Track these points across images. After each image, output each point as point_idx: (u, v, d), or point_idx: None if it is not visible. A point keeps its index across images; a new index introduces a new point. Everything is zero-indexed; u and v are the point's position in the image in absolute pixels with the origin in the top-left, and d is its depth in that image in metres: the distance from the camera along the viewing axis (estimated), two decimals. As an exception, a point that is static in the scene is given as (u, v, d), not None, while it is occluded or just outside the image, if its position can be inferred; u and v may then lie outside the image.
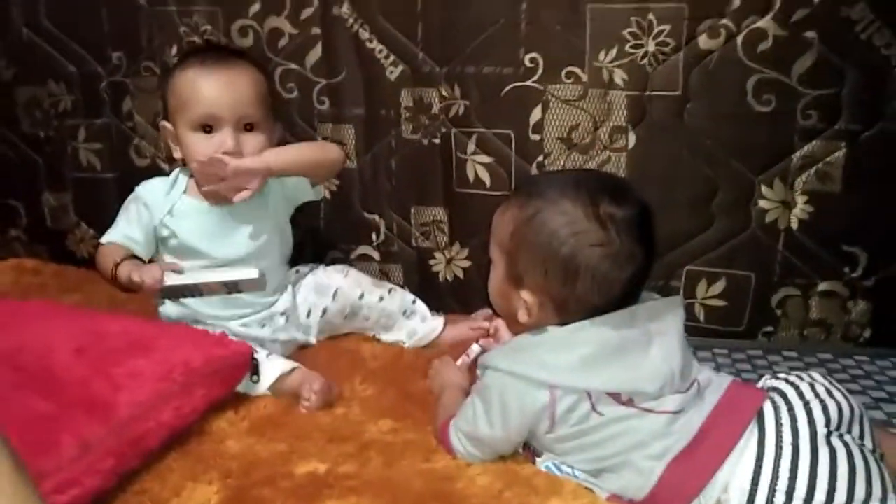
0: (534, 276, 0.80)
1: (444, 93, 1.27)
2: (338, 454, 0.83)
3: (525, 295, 0.82)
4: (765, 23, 1.09)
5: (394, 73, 1.29)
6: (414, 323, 1.22)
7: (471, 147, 1.27)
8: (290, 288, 1.17)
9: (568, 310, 0.81)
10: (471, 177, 1.29)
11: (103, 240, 1.12)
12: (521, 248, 0.81)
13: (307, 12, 1.30)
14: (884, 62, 1.07)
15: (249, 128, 1.08)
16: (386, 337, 1.21)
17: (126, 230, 1.11)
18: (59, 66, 1.46)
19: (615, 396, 0.78)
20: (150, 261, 1.10)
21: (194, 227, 1.10)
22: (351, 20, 1.28)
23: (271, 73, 1.33)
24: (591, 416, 0.78)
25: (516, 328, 0.87)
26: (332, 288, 1.18)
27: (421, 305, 1.24)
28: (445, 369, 1.03)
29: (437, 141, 1.30)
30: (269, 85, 1.15)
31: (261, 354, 1.00)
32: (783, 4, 1.08)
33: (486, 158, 1.27)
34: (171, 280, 0.99)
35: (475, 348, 1.03)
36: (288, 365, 1.01)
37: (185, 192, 1.12)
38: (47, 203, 1.56)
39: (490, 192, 1.27)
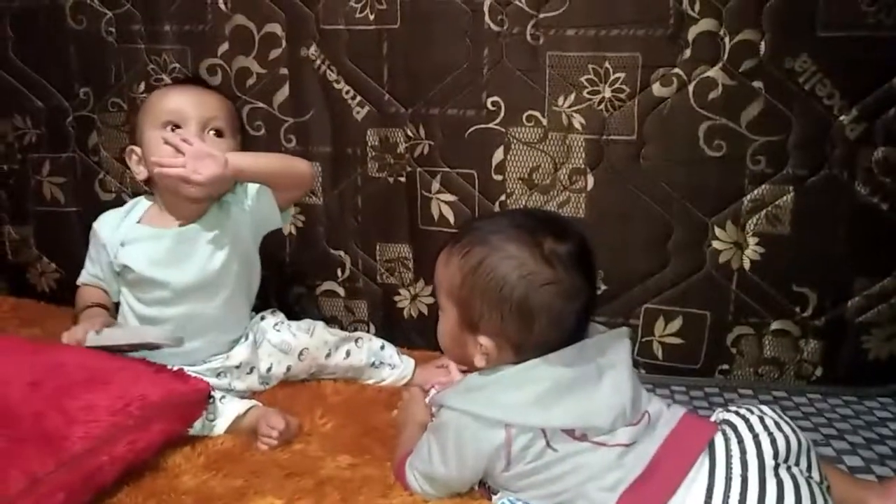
0: (489, 321, 0.81)
1: (409, 133, 1.30)
2: (294, 489, 0.83)
3: (483, 340, 0.82)
4: (714, 72, 1.14)
5: (360, 113, 1.31)
6: (383, 373, 1.19)
7: (435, 186, 1.30)
8: (251, 337, 1.13)
9: (525, 349, 0.81)
10: (435, 215, 1.31)
11: (78, 281, 1.14)
12: (472, 296, 0.82)
13: (275, 53, 1.32)
14: (826, 111, 1.13)
15: (217, 134, 1.08)
16: None
17: (91, 269, 1.13)
18: (25, 100, 1.47)
19: (569, 432, 0.79)
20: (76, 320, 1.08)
21: (146, 256, 1.07)
22: (318, 61, 1.31)
23: (239, 110, 1.34)
24: (546, 453, 0.79)
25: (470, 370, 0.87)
26: (298, 349, 1.12)
27: (389, 351, 1.20)
28: (412, 405, 1.02)
29: (402, 179, 1.32)
30: (237, 115, 1.17)
31: (216, 395, 0.98)
32: (731, 55, 1.13)
33: (450, 197, 1.30)
34: (91, 342, 0.97)
35: (433, 392, 1.03)
36: (244, 405, 1.00)
37: (139, 221, 1.11)
38: (8, 236, 1.55)
39: (454, 230, 1.29)
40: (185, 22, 1.36)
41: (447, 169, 1.29)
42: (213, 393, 0.95)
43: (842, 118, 1.13)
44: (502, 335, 0.82)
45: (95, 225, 1.14)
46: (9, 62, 1.46)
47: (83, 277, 1.14)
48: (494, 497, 0.84)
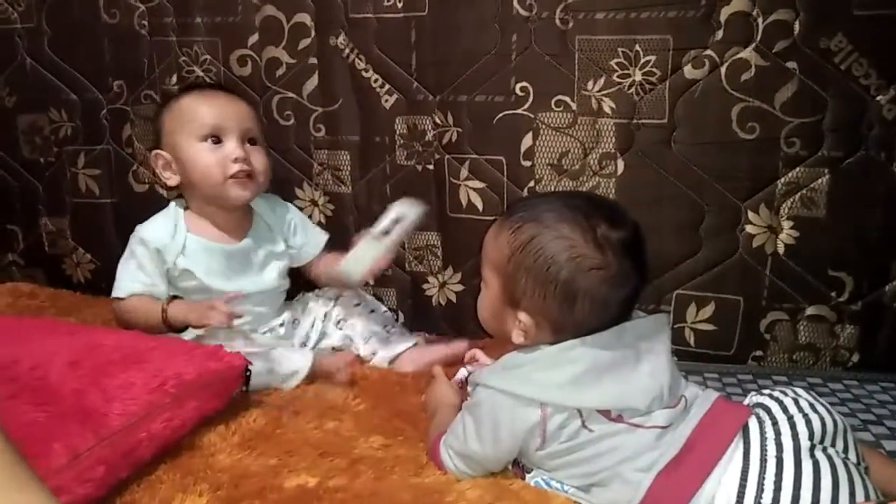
0: (532, 298, 0.81)
1: (437, 120, 1.30)
2: (328, 468, 0.83)
3: (522, 316, 0.82)
4: (747, 53, 1.13)
5: (388, 101, 1.32)
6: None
7: (463, 173, 1.30)
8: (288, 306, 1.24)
9: (564, 330, 0.81)
10: (464, 202, 1.31)
11: (122, 294, 1.13)
12: (518, 272, 0.81)
13: (304, 42, 1.33)
14: (863, 91, 1.11)
15: (252, 142, 1.13)
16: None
17: (144, 279, 1.12)
18: (60, 94, 1.50)
19: (605, 413, 0.79)
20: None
21: (204, 266, 1.13)
22: (347, 50, 1.32)
23: (269, 100, 1.36)
24: (581, 433, 0.79)
25: (506, 347, 0.88)
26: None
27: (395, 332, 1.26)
28: (440, 388, 1.03)
29: (430, 167, 1.33)
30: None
31: (278, 352, 1.05)
32: (764, 36, 1.12)
33: (478, 184, 1.30)
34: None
35: (462, 371, 1.04)
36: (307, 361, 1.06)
37: (188, 230, 1.15)
38: (45, 228, 1.58)
39: (483, 217, 1.29)
40: (215, 14, 1.37)
41: (475, 156, 1.29)
42: (249, 367, 0.96)
43: (879, 98, 1.11)
44: (543, 314, 0.81)
45: (145, 234, 1.14)
46: (44, 57, 1.49)
47: (131, 288, 1.12)
48: (528, 476, 0.84)
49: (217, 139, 1.11)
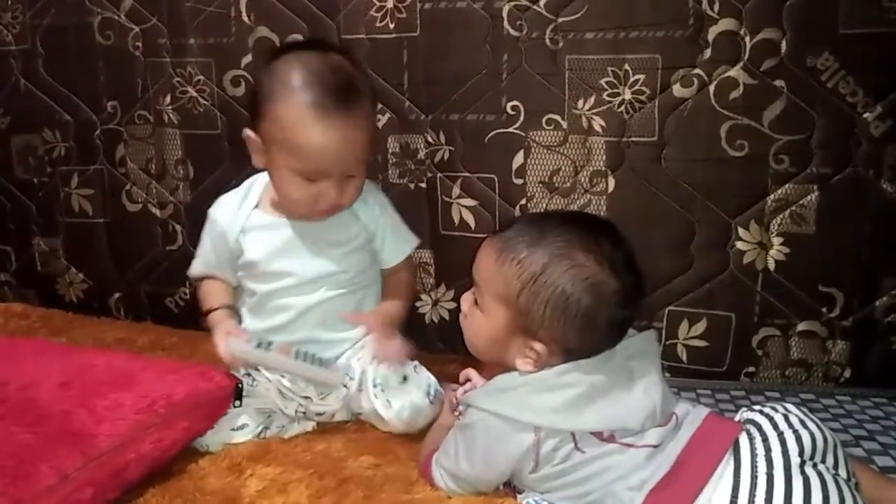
0: (551, 329, 0.80)
1: (429, 139, 1.31)
2: (318, 488, 0.83)
3: (537, 346, 0.81)
4: (735, 72, 1.14)
5: (381, 120, 1.33)
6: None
7: (456, 191, 1.30)
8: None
9: (576, 354, 0.81)
10: (456, 219, 1.31)
11: (191, 271, 1.09)
12: (533, 304, 0.80)
13: (298, 63, 1.34)
14: (850, 108, 1.12)
15: (350, 176, 0.99)
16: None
17: (207, 258, 1.07)
18: (54, 114, 1.50)
19: (597, 434, 0.79)
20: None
21: (266, 245, 1.03)
22: (340, 70, 1.33)
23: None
24: (573, 455, 0.78)
25: (496, 371, 0.87)
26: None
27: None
28: None
29: (422, 185, 1.33)
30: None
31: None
32: (752, 55, 1.13)
33: (470, 202, 1.30)
34: (245, 353, 0.95)
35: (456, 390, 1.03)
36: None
37: (256, 206, 1.05)
38: (38, 248, 1.58)
39: (475, 235, 1.29)
40: (209, 35, 1.38)
41: (467, 174, 1.29)
42: (239, 385, 0.94)
43: (866, 115, 1.11)
44: (559, 341, 0.81)
45: (213, 212, 1.07)
46: (39, 78, 1.50)
47: (197, 268, 1.08)
48: (520, 496, 0.83)
49: (314, 178, 0.97)
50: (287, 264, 1.03)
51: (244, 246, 1.04)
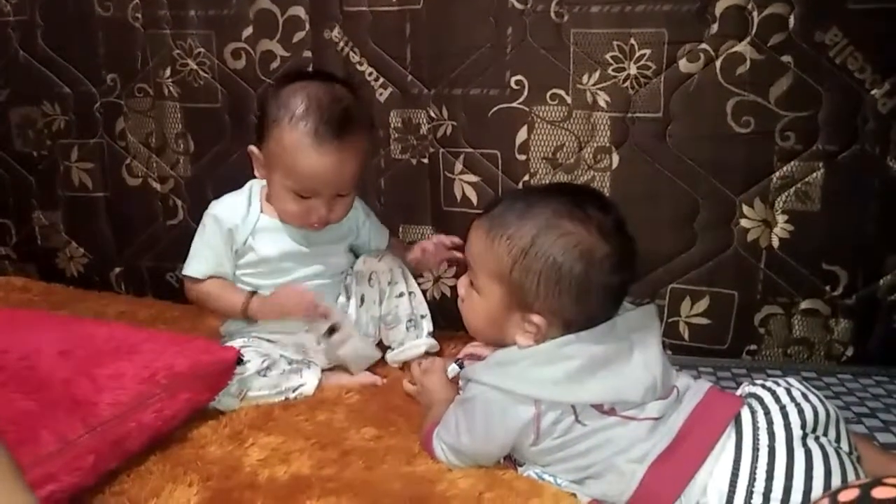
0: (546, 300, 0.80)
1: (432, 114, 1.30)
2: (319, 458, 0.83)
3: (535, 319, 0.81)
4: (742, 47, 1.13)
5: (383, 94, 1.32)
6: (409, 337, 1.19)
7: (458, 167, 1.29)
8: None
9: (575, 324, 0.81)
10: (458, 195, 1.31)
11: (194, 273, 1.10)
12: (526, 277, 0.80)
13: (299, 35, 1.33)
14: (858, 85, 1.10)
15: (340, 195, 1.09)
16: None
17: (218, 259, 1.10)
18: (53, 87, 1.49)
19: (597, 407, 0.79)
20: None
21: (275, 245, 1.11)
22: (342, 44, 1.31)
23: (262, 94, 1.35)
24: (574, 428, 0.78)
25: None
26: (368, 273, 1.18)
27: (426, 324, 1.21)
28: (432, 378, 1.01)
29: (425, 161, 1.32)
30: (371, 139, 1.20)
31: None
32: (759, 30, 1.12)
33: (473, 178, 1.29)
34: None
35: (454, 367, 1.03)
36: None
37: (261, 210, 1.12)
38: (38, 222, 1.58)
39: (477, 211, 1.27)
40: (209, 6, 1.37)
41: (470, 149, 1.28)
42: (241, 357, 0.95)
43: (873, 92, 1.10)
44: (557, 313, 0.81)
45: (219, 212, 1.11)
46: (38, 50, 1.49)
47: (204, 269, 1.10)
48: (521, 469, 0.83)
49: (307, 195, 1.06)
50: (296, 260, 1.12)
51: (255, 245, 1.10)
